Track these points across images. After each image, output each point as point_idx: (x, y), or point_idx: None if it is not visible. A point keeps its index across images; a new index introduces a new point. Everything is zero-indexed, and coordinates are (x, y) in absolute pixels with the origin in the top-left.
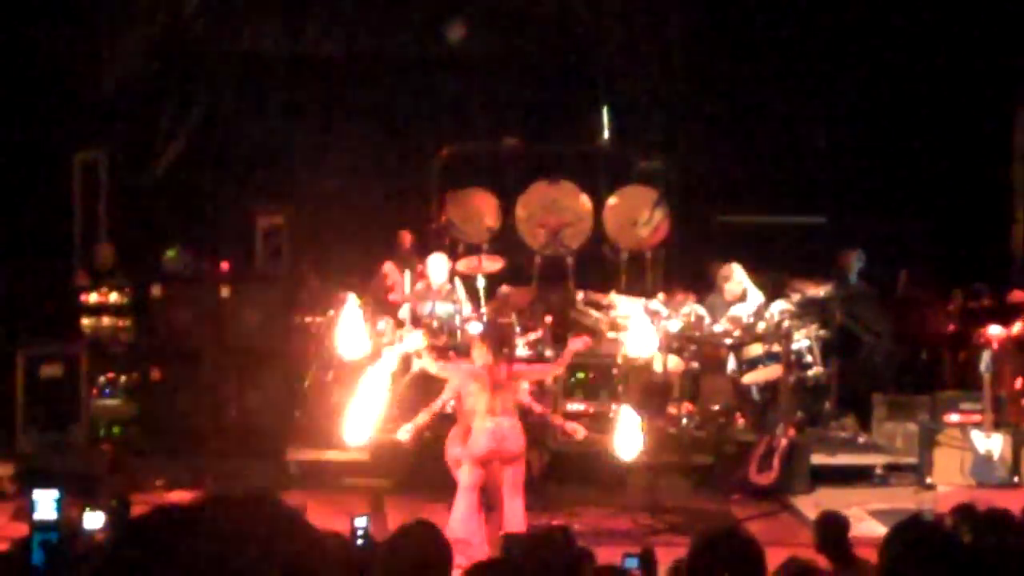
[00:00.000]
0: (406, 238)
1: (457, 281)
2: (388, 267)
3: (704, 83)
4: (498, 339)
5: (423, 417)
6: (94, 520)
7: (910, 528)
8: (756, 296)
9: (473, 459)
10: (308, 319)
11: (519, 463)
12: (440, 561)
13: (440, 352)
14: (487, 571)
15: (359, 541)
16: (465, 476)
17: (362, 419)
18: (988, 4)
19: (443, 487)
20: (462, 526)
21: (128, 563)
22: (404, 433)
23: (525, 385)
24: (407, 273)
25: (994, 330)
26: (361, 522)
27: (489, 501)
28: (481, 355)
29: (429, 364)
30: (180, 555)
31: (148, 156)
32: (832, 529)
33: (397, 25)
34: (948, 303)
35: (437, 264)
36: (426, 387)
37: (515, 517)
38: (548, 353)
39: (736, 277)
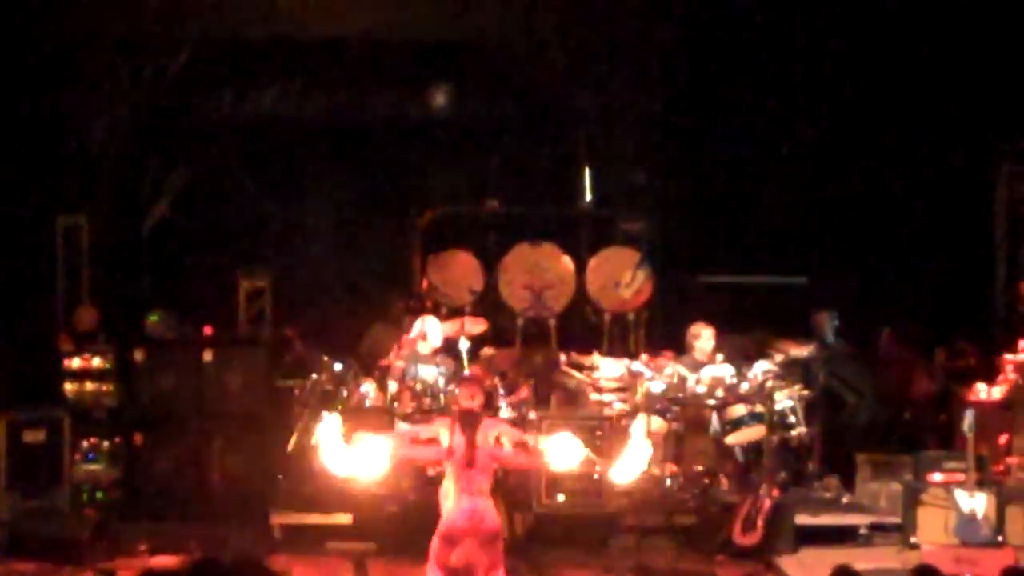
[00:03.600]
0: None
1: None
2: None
3: (684, 145)
4: (470, 424)
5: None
6: None
7: None
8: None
9: (444, 537)
10: (291, 383)
11: (497, 541)
12: None
13: (424, 416)
14: None
15: None
16: (432, 551)
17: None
18: (971, 59)
19: (427, 550)
20: None
21: None
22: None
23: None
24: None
25: (977, 389)
26: None
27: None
28: (447, 437)
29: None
30: None
31: (131, 220)
32: None
33: (378, 89)
34: (931, 362)
35: (433, 327)
36: None
37: None
38: (531, 416)
39: (705, 336)
